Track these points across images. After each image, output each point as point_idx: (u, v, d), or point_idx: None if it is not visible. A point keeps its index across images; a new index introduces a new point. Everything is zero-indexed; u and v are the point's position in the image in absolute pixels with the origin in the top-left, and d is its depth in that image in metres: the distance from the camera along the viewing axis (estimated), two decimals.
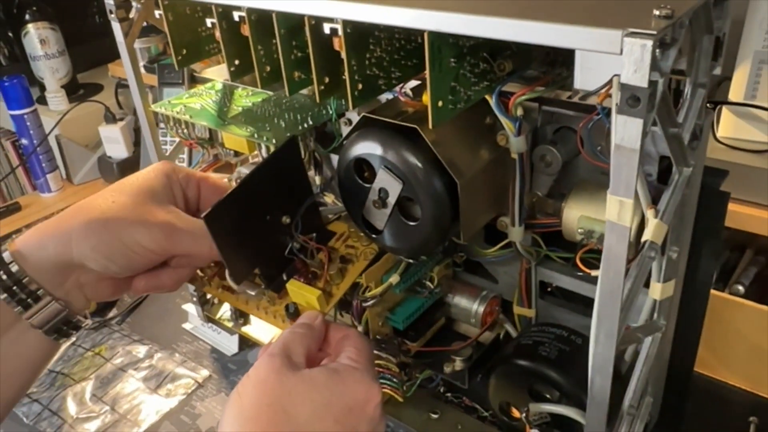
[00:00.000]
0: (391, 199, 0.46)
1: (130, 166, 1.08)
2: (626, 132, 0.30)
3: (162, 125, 0.62)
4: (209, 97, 0.59)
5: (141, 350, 0.71)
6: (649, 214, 0.39)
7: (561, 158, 0.46)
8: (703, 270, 0.49)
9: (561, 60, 0.44)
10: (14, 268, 0.42)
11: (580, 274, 0.47)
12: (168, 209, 0.46)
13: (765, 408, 0.60)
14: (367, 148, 0.45)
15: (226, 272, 0.49)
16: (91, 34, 1.32)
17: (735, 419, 0.59)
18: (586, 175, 0.48)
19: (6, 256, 0.42)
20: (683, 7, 0.31)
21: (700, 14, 0.35)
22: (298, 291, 0.50)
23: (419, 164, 0.44)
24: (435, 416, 0.56)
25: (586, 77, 0.37)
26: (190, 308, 0.75)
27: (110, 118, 1.07)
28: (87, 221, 0.43)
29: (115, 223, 0.43)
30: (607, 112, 0.40)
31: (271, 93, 0.56)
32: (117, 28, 0.55)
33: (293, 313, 0.50)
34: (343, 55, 0.40)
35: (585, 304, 0.55)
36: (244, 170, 0.64)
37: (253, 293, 0.52)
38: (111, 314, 0.78)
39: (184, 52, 0.53)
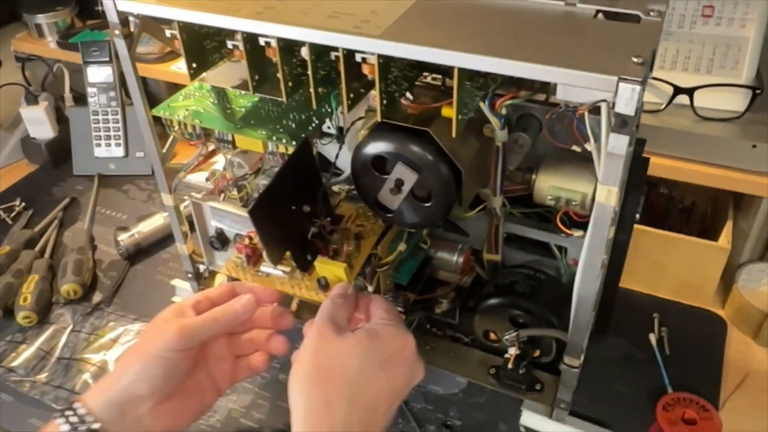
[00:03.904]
0: (406, 187, 0.56)
1: (59, 145, 1.07)
2: (616, 144, 0.43)
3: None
4: (205, 98, 0.65)
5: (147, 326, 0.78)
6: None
7: (530, 141, 0.59)
8: (629, 213, 0.65)
9: None
10: (81, 410, 0.51)
11: (558, 229, 0.60)
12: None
13: (663, 305, 0.79)
14: (385, 146, 0.55)
15: (264, 255, 0.58)
16: None
17: (643, 316, 0.78)
18: (544, 150, 0.61)
19: (77, 405, 0.51)
20: (648, 50, 0.44)
21: None
22: (325, 266, 0.59)
23: (431, 158, 0.55)
24: (429, 348, 0.70)
25: (566, 92, 0.49)
26: (178, 282, 0.82)
27: (31, 99, 1.05)
28: (125, 362, 0.54)
29: (144, 348, 0.53)
30: (574, 110, 0.52)
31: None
32: (121, 44, 0.59)
33: (324, 285, 0.60)
34: (376, 79, 0.49)
35: (534, 245, 0.70)
36: (237, 158, 0.70)
37: (286, 275, 0.61)
38: (97, 299, 0.83)
39: (194, 65, 0.59)
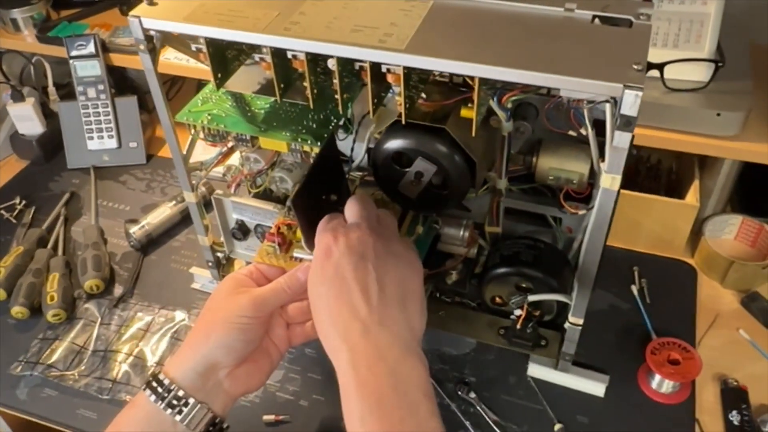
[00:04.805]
0: (426, 179, 0.63)
1: (49, 140, 1.08)
2: (620, 140, 0.50)
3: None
4: (223, 102, 0.69)
5: (174, 314, 0.82)
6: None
7: (531, 129, 0.65)
8: None
9: None
10: (166, 381, 0.56)
11: (554, 202, 0.67)
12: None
13: (640, 258, 0.88)
14: (406, 143, 0.61)
15: (303, 242, 0.64)
16: None
17: (624, 269, 0.87)
18: (541, 134, 0.67)
19: (161, 376, 0.56)
20: (644, 56, 0.50)
21: None
22: None
23: (449, 152, 0.61)
24: (442, 314, 0.77)
25: (569, 91, 0.56)
26: (196, 270, 0.87)
27: (18, 96, 1.05)
28: (202, 333, 0.58)
29: (219, 318, 0.58)
30: (575, 102, 0.59)
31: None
32: (147, 59, 0.62)
33: None
34: (401, 87, 0.55)
35: (530, 216, 0.77)
36: (253, 154, 0.74)
37: None
38: (118, 292, 0.87)
39: (219, 75, 0.62)
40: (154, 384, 0.56)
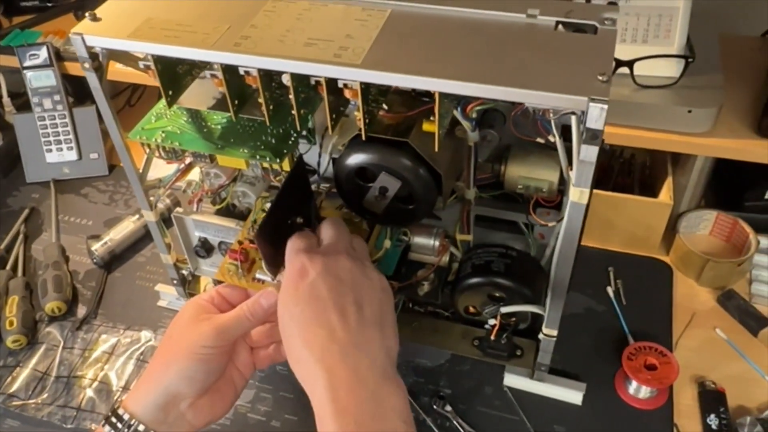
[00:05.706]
0: (390, 193, 0.60)
1: (6, 153, 1.04)
2: (587, 153, 0.48)
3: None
4: (177, 117, 0.66)
5: (140, 335, 0.80)
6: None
7: (498, 137, 0.63)
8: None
9: None
10: (126, 416, 0.54)
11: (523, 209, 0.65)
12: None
13: (615, 257, 0.87)
14: (368, 158, 0.59)
15: (264, 268, 0.61)
16: None
17: (598, 270, 0.86)
18: (509, 140, 0.66)
19: (121, 411, 0.54)
20: (609, 65, 0.48)
21: None
22: None
23: (413, 166, 0.58)
24: (416, 325, 0.75)
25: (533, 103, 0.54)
26: (162, 287, 0.84)
27: None
28: (162, 363, 0.56)
29: (180, 348, 0.56)
30: (542, 112, 0.57)
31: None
32: (93, 77, 0.59)
33: None
34: (359, 103, 0.52)
35: (503, 223, 0.75)
36: (213, 169, 0.72)
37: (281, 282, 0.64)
38: (81, 312, 0.84)
39: (171, 93, 0.60)
40: (114, 419, 0.54)
